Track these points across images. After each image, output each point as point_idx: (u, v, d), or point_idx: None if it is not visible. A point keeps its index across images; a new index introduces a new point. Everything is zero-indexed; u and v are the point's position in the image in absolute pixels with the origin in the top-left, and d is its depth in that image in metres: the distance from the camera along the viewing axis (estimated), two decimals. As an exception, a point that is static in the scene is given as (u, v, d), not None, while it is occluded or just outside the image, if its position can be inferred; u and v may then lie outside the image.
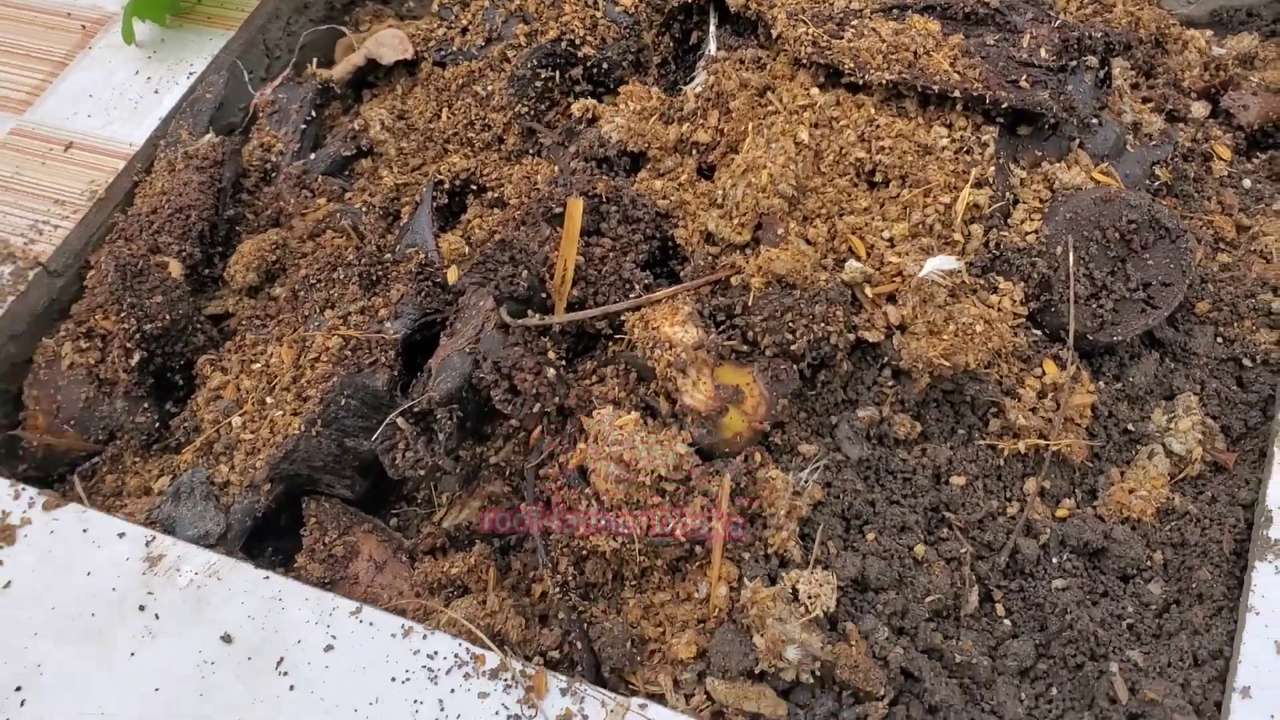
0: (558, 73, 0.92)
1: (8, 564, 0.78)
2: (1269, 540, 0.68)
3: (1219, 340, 0.80)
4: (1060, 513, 0.75)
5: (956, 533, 0.73)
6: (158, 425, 0.87)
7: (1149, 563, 0.73)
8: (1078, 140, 0.80)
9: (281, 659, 0.71)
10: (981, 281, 0.75)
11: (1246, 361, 0.79)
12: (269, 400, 0.82)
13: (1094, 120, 0.81)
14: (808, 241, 0.73)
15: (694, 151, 0.78)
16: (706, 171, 0.78)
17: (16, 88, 1.04)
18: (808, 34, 0.78)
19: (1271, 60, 0.98)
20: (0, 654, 0.73)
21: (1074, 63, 0.81)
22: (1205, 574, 0.71)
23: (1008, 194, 0.77)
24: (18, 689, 0.72)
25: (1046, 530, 0.74)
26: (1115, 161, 0.81)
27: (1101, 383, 0.77)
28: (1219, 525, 0.72)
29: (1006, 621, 0.72)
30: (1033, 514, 0.74)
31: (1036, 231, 0.76)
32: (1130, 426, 0.77)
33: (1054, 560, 0.74)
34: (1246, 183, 0.87)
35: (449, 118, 0.96)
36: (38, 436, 0.88)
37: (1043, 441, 0.73)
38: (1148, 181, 0.81)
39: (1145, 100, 0.91)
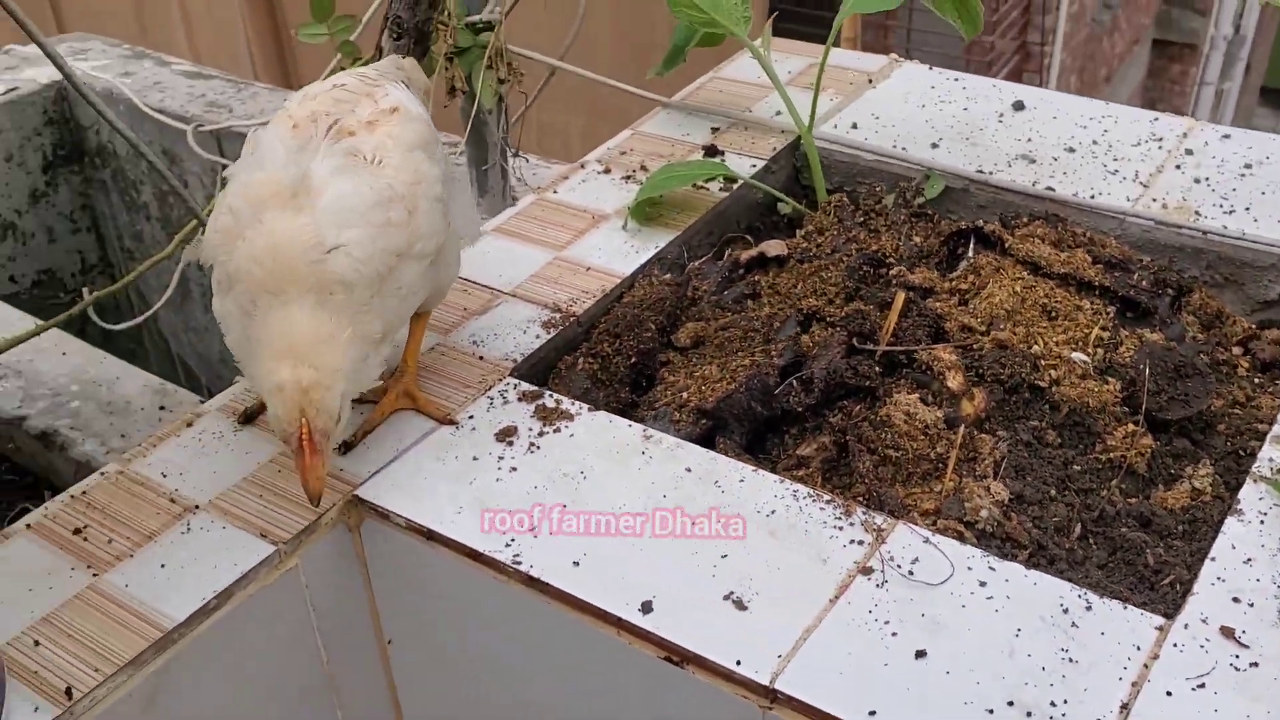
0: (873, 269, 1.67)
1: (571, 428, 1.48)
2: (1237, 509, 1.31)
3: (1227, 442, 1.45)
4: (1130, 500, 1.39)
5: (1073, 493, 1.37)
6: (630, 403, 1.59)
7: (1175, 529, 1.36)
8: (1157, 327, 1.51)
9: (717, 480, 1.37)
10: (1099, 378, 1.43)
11: (1241, 453, 1.44)
12: (703, 388, 1.53)
13: (1169, 320, 1.51)
14: (1014, 334, 1.44)
15: (957, 293, 1.52)
16: (963, 302, 1.51)
17: (557, 240, 1.84)
18: (1023, 248, 1.53)
19: (1287, 343, 1.67)
20: (571, 461, 1.42)
21: (1160, 289, 1.53)
22: (1206, 533, 1.33)
23: (1117, 338, 1.47)
24: (582, 472, 1.40)
25: (1119, 504, 1.38)
26: (1178, 342, 1.50)
27: (1159, 443, 1.43)
28: (1216, 512, 1.35)
29: (1093, 545, 1.35)
30: (1113, 497, 1.38)
31: (1131, 357, 1.45)
32: (1173, 471, 1.42)
33: (1123, 521, 1.37)
34: (1256, 380, 1.55)
35: (802, 286, 1.70)
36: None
37: (1124, 456, 1.39)
38: (1194, 357, 1.50)
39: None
